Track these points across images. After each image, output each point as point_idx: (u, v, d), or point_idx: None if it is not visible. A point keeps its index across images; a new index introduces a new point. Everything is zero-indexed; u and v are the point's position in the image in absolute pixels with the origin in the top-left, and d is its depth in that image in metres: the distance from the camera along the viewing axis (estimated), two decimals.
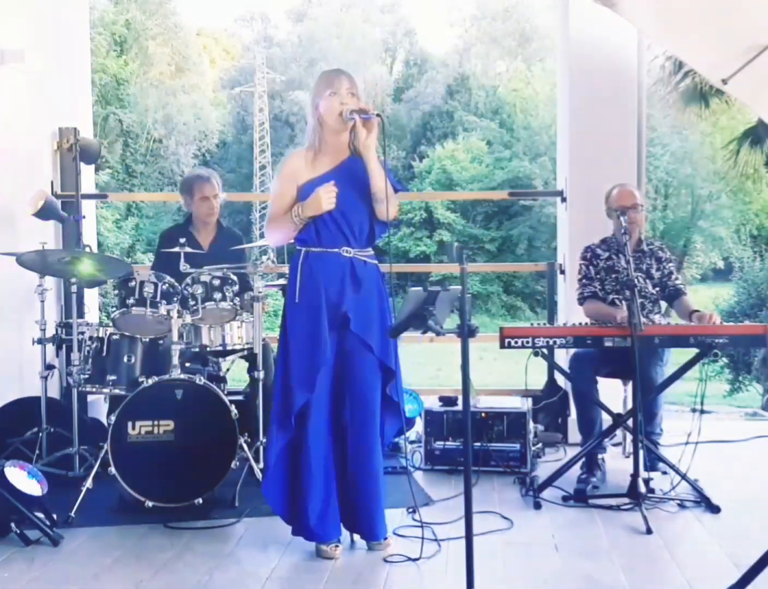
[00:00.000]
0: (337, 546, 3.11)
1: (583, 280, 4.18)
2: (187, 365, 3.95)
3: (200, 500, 3.56)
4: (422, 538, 3.13)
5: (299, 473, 3.08)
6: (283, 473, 3.11)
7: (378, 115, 3.01)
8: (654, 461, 3.81)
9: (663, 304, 4.24)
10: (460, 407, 4.24)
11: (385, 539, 3.16)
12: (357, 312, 3.05)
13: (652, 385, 3.80)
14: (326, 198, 2.98)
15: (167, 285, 3.83)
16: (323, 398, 3.06)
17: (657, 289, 4.14)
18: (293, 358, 3.04)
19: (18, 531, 3.23)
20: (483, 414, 4.25)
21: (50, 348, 4.25)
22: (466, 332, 2.52)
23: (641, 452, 3.50)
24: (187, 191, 4.42)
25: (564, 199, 4.95)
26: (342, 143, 3.10)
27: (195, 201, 4.38)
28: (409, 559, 3.06)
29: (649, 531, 3.29)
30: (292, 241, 3.16)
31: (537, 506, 3.65)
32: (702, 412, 3.70)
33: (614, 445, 4.43)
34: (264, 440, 3.86)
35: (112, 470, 3.54)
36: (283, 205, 3.08)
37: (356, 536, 3.21)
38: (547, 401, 4.69)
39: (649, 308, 4.07)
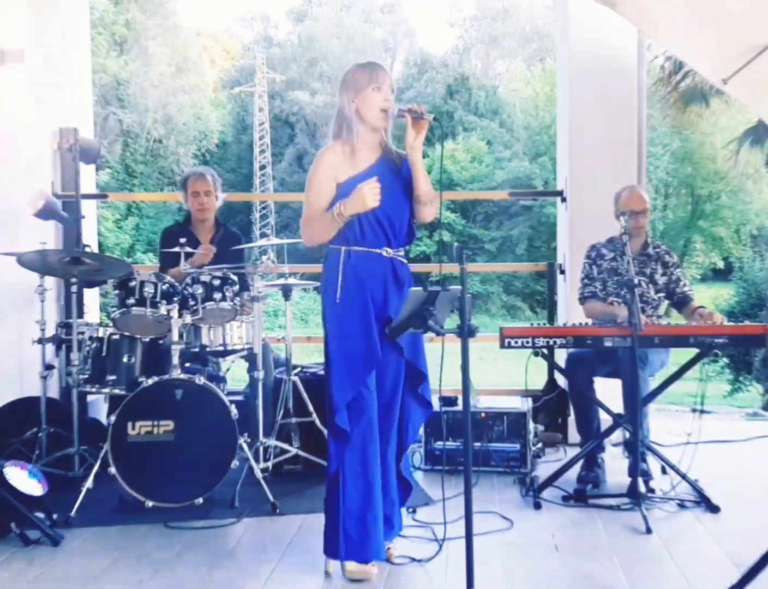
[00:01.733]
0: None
1: (585, 280, 4.16)
2: (187, 365, 3.95)
3: (200, 500, 3.56)
4: (443, 539, 3.11)
5: (361, 485, 2.90)
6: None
7: (435, 118, 2.88)
8: (645, 471, 3.80)
9: (662, 308, 4.21)
10: (460, 407, 4.24)
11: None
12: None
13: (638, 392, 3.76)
14: (371, 194, 2.83)
15: (167, 285, 3.83)
16: (373, 400, 2.92)
17: (660, 294, 4.10)
18: (334, 360, 2.92)
19: (18, 531, 3.23)
20: (483, 414, 4.25)
21: (50, 348, 4.25)
22: (466, 332, 2.53)
23: (640, 452, 3.50)
24: (183, 186, 4.47)
25: (564, 199, 4.95)
26: (375, 141, 2.97)
27: (188, 197, 4.40)
28: (413, 560, 3.06)
29: (649, 531, 3.29)
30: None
31: (537, 506, 3.65)
32: (702, 412, 3.70)
33: (614, 445, 4.43)
34: (264, 440, 3.87)
35: (112, 470, 3.53)
36: (322, 204, 2.92)
37: None
38: (546, 398, 4.71)
39: (649, 312, 4.03)
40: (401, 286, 2.96)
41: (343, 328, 2.92)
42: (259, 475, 3.68)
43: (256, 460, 3.79)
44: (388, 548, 3.07)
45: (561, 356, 4.31)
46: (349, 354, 2.90)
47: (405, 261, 3.05)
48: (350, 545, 2.90)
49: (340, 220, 2.88)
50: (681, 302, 4.09)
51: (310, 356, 4.98)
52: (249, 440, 3.81)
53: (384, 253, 2.95)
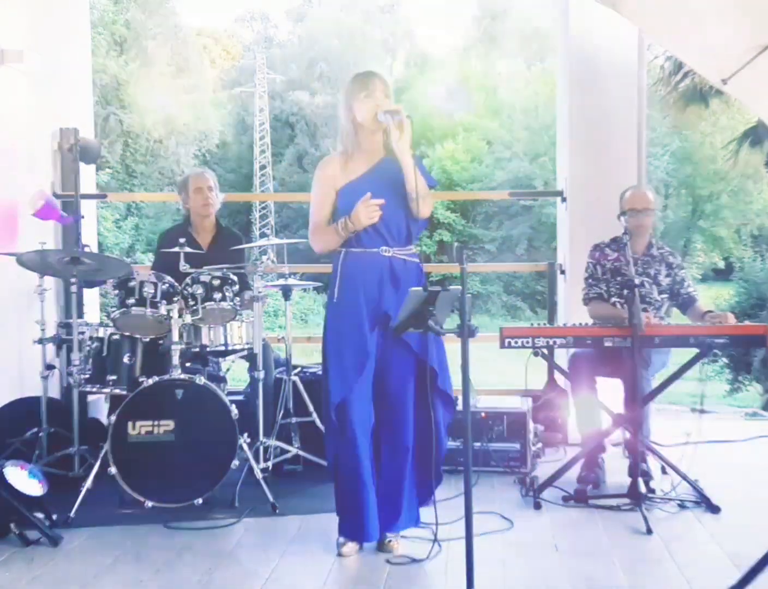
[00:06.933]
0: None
1: (590, 280, 4.15)
2: (187, 365, 3.95)
3: (200, 500, 3.56)
4: (434, 540, 3.13)
5: (351, 472, 3.11)
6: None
7: (408, 116, 3.02)
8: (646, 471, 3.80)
9: (664, 309, 4.21)
10: (460, 407, 4.22)
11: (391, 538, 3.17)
12: (397, 310, 3.00)
13: (640, 392, 3.76)
14: (365, 213, 3.00)
15: (167, 285, 3.83)
16: (366, 394, 3.10)
17: (663, 296, 4.08)
18: (332, 356, 3.10)
19: (18, 531, 3.23)
20: (483, 414, 4.25)
21: (50, 348, 4.25)
22: (466, 332, 2.53)
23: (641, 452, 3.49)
24: (183, 187, 4.46)
25: (564, 199, 4.95)
26: (376, 144, 3.15)
27: (190, 195, 4.39)
28: (413, 560, 3.06)
29: (649, 531, 3.29)
30: None
31: (537, 506, 3.65)
32: (702, 412, 3.70)
33: (614, 445, 4.42)
34: (264, 440, 3.87)
35: (112, 470, 3.54)
36: (325, 214, 3.15)
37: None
38: (546, 398, 4.71)
39: (652, 313, 4.02)
40: (398, 284, 3.08)
41: (339, 327, 3.10)
42: (259, 475, 3.68)
43: (256, 460, 3.79)
44: (389, 541, 3.15)
45: (561, 356, 4.31)
46: (345, 352, 3.06)
47: (409, 259, 3.16)
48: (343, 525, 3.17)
49: (344, 234, 3.06)
50: (686, 303, 4.08)
51: (310, 356, 4.97)
52: (249, 440, 3.81)
53: (383, 253, 3.09)
